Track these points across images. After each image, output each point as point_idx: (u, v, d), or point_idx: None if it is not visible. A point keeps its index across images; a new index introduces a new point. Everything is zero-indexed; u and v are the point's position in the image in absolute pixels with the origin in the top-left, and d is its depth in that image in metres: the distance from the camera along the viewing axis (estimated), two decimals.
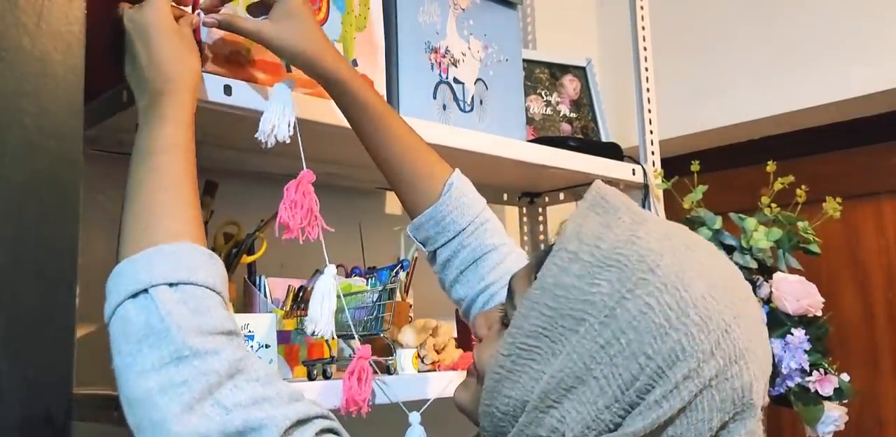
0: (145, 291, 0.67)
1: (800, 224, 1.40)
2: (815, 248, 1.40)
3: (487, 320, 0.75)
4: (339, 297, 1.12)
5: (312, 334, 0.90)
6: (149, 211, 0.74)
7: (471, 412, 0.72)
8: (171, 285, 0.67)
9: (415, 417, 0.94)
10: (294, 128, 0.90)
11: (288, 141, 0.90)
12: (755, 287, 1.38)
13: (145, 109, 0.80)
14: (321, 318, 0.89)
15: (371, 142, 0.96)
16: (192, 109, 0.81)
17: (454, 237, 0.95)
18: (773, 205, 1.41)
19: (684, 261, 0.64)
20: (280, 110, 0.89)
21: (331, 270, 0.92)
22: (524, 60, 1.48)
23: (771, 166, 1.40)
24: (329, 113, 1.04)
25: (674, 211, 1.52)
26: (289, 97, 0.90)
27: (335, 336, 0.92)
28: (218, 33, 0.96)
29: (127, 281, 0.68)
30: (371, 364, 0.93)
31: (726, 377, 0.61)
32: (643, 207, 1.50)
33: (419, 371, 1.11)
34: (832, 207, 1.40)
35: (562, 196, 1.70)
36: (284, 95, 0.90)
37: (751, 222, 1.39)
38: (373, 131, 0.95)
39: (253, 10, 0.95)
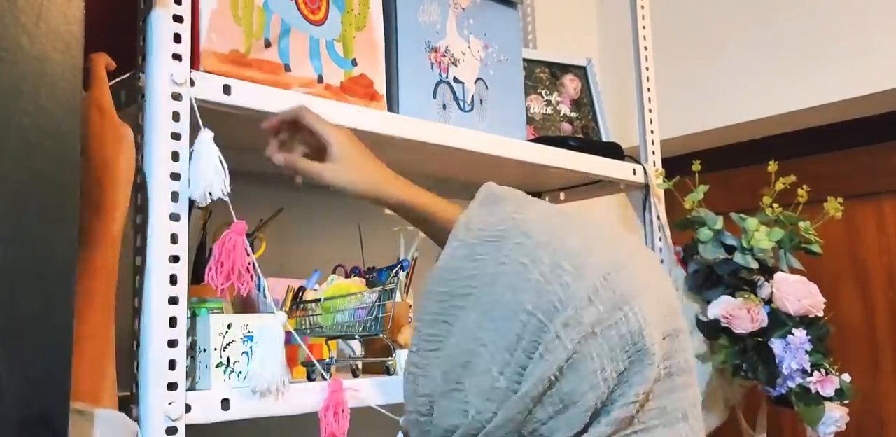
0: None
1: (801, 224, 1.40)
2: (816, 248, 1.39)
3: None
4: (338, 297, 1.12)
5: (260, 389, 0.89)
6: None
7: None
8: None
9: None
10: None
11: (225, 198, 0.89)
12: (756, 287, 1.38)
13: None
14: (264, 372, 0.89)
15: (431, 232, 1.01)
16: None
17: None
18: (775, 205, 1.41)
19: (560, 224, 0.65)
20: (211, 165, 0.88)
21: (280, 318, 0.92)
22: (524, 60, 1.48)
23: (772, 166, 1.40)
24: (328, 113, 1.04)
25: (675, 211, 1.52)
26: (213, 147, 0.89)
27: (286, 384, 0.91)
28: (215, 32, 0.96)
29: None
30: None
31: (610, 324, 0.60)
32: (644, 207, 1.50)
33: None
34: (833, 207, 1.40)
35: (562, 196, 1.69)
36: (208, 145, 0.89)
37: (752, 222, 1.38)
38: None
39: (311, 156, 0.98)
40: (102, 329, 0.73)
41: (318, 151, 0.95)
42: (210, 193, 0.86)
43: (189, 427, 0.84)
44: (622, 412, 0.60)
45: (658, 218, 1.49)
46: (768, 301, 1.36)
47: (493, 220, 0.68)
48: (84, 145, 0.75)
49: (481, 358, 0.61)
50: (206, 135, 0.89)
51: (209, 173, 0.86)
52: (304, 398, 0.94)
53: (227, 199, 0.89)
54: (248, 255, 0.88)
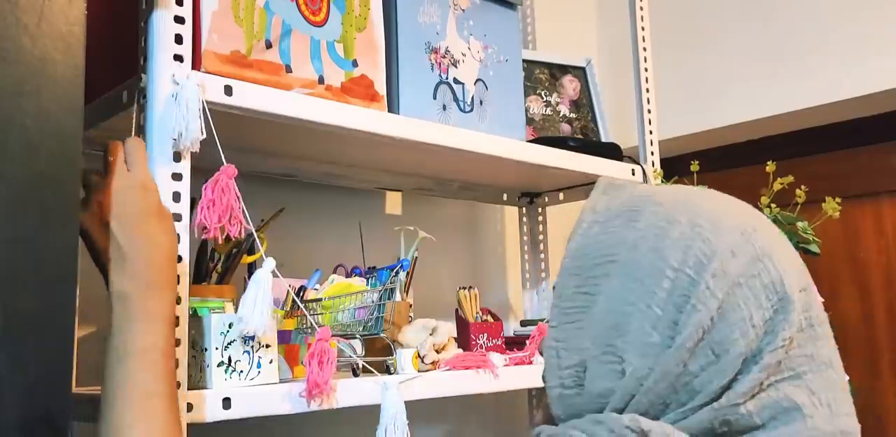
0: None
1: (799, 224, 1.40)
2: (814, 248, 1.40)
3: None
4: (338, 297, 1.12)
5: (245, 333, 0.89)
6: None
7: (547, 419, 0.74)
8: None
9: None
10: (205, 122, 0.88)
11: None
12: None
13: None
14: (253, 315, 0.87)
15: None
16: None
17: None
18: (773, 205, 1.41)
19: (688, 194, 0.71)
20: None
21: (269, 264, 0.90)
22: (524, 61, 1.48)
23: (770, 166, 1.41)
24: (329, 113, 1.05)
25: None
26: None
27: (262, 332, 0.90)
28: (216, 33, 0.97)
29: None
30: (336, 347, 0.93)
31: (753, 274, 0.64)
32: None
33: (419, 371, 1.11)
34: (832, 207, 1.40)
35: (562, 196, 1.70)
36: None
37: None
38: None
39: None
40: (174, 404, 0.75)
41: None
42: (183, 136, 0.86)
43: (191, 426, 0.84)
44: (772, 357, 0.63)
45: None
46: None
47: (619, 201, 0.72)
48: (128, 223, 0.78)
49: (632, 317, 0.65)
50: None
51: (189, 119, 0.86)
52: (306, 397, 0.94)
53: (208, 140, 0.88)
54: (239, 200, 0.88)
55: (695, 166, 1.43)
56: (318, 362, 0.91)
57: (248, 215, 0.90)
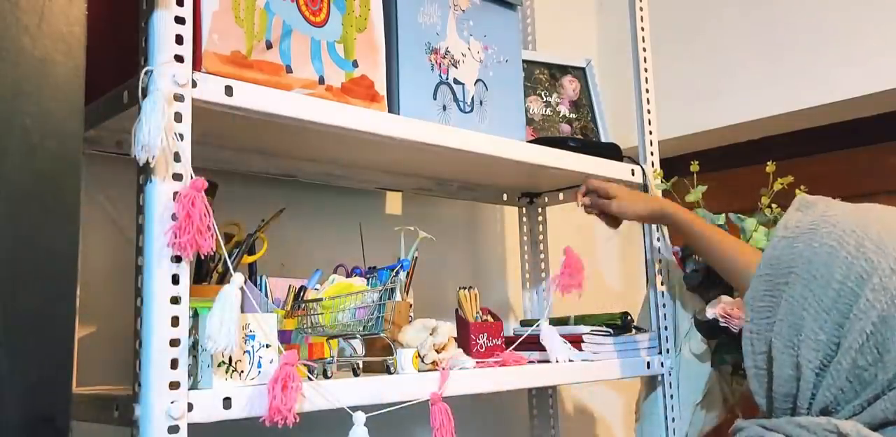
0: None
1: None
2: None
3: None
4: (339, 297, 1.12)
5: (213, 350, 0.86)
6: None
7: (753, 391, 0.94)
8: None
9: (359, 417, 0.94)
10: (173, 138, 0.86)
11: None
12: None
13: None
14: (220, 334, 0.86)
15: (710, 260, 1.30)
16: None
17: None
18: (773, 205, 1.41)
19: (862, 216, 0.89)
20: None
21: (237, 279, 0.89)
22: (524, 61, 1.48)
23: (770, 167, 1.41)
24: (329, 113, 1.05)
25: None
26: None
27: (231, 351, 0.88)
28: (217, 34, 0.97)
29: None
30: (306, 368, 0.91)
31: None
32: None
33: (419, 371, 1.11)
34: None
35: (561, 196, 1.70)
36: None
37: (750, 223, 1.39)
38: (704, 253, 1.30)
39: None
40: None
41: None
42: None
43: (191, 426, 0.84)
44: None
45: None
46: None
47: (806, 219, 0.91)
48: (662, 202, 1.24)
49: (805, 320, 0.84)
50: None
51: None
52: (306, 397, 0.94)
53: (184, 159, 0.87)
54: (208, 215, 0.86)
55: (695, 166, 1.43)
56: (281, 387, 0.88)
57: (216, 227, 0.88)
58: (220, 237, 0.90)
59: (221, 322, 0.86)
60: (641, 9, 1.58)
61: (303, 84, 1.05)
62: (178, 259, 0.86)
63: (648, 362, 1.41)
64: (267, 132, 1.12)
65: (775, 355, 0.86)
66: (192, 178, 0.87)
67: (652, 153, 1.54)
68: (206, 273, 1.08)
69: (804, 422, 0.83)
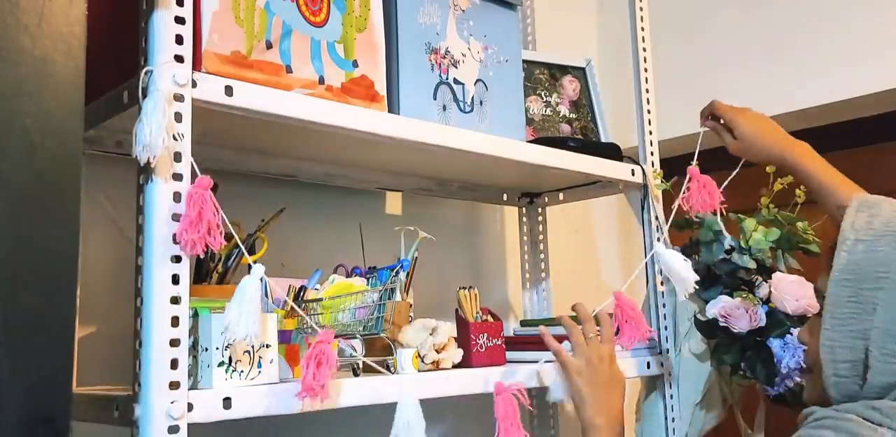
0: None
1: (799, 224, 1.40)
2: (814, 248, 1.40)
3: (806, 327, 0.99)
4: (339, 297, 1.12)
5: (232, 339, 0.88)
6: None
7: (818, 400, 0.92)
8: None
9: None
10: (175, 136, 0.87)
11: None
12: (754, 287, 1.38)
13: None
14: (239, 324, 0.87)
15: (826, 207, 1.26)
16: None
17: None
18: (773, 205, 1.41)
19: None
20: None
21: (258, 270, 0.91)
22: (524, 61, 1.48)
23: (770, 167, 1.41)
24: (329, 113, 1.05)
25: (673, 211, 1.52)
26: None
27: (252, 340, 0.89)
28: (217, 34, 0.97)
29: None
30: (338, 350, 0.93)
31: None
32: (642, 207, 1.50)
33: (419, 371, 1.11)
34: None
35: (561, 196, 1.70)
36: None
37: (750, 223, 1.39)
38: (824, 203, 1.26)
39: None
40: None
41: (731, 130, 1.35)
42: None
43: (191, 426, 0.84)
44: None
45: (656, 218, 1.49)
46: (766, 301, 1.36)
47: (878, 220, 0.88)
48: (594, 385, 1.14)
49: None
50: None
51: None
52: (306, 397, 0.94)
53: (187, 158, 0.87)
54: (217, 211, 0.87)
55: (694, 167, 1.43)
56: (315, 363, 0.90)
57: (228, 223, 0.89)
58: (231, 231, 0.92)
59: (240, 313, 0.87)
60: (641, 9, 1.58)
61: (303, 84, 1.05)
62: (178, 259, 0.86)
63: (648, 362, 1.41)
64: (267, 132, 1.12)
65: (872, 364, 0.84)
66: (198, 175, 0.88)
67: (652, 153, 1.54)
68: (206, 273, 1.08)
69: (878, 405, 0.82)
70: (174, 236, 0.86)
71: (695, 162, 1.39)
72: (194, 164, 0.89)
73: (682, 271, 1.25)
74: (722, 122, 1.41)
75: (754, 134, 1.33)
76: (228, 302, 0.89)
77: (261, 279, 1.14)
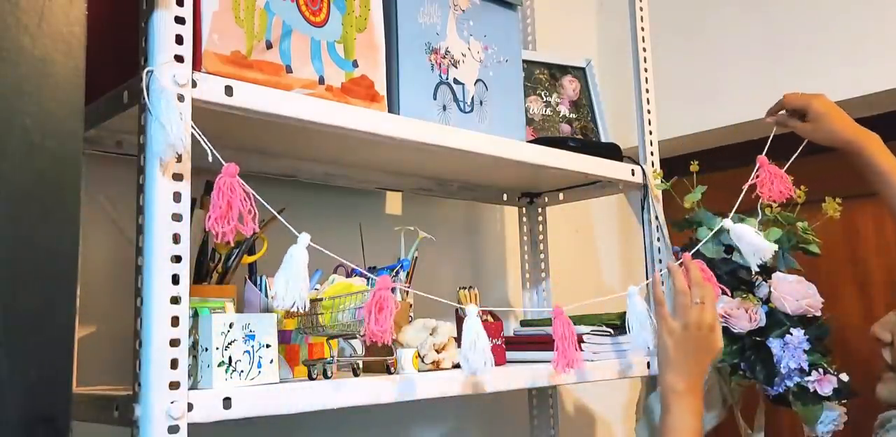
0: None
1: (799, 224, 1.40)
2: (814, 248, 1.40)
3: (884, 324, 1.03)
4: (339, 296, 1.12)
5: (276, 307, 0.91)
6: None
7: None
8: None
9: (303, 238, 0.96)
10: (190, 132, 0.88)
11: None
12: (754, 287, 1.38)
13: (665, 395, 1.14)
14: (287, 294, 0.89)
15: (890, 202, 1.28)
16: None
17: None
18: (773, 205, 1.41)
19: None
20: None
21: (304, 238, 0.94)
22: (524, 61, 1.48)
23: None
24: (329, 113, 1.05)
25: (673, 211, 1.52)
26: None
27: (302, 308, 0.93)
28: (217, 34, 0.97)
29: None
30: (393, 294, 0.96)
31: None
32: (642, 207, 1.51)
33: (419, 371, 1.11)
34: (832, 207, 1.40)
35: (561, 196, 1.70)
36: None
37: (750, 223, 1.39)
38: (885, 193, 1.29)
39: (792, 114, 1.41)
40: None
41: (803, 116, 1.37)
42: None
43: (191, 426, 0.84)
44: None
45: (656, 218, 1.49)
46: (766, 301, 1.36)
47: None
48: (673, 356, 1.18)
49: None
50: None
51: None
52: (306, 397, 0.94)
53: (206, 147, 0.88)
54: (248, 197, 0.89)
55: (694, 166, 1.43)
56: (377, 309, 0.93)
57: (263, 203, 0.92)
58: (270, 209, 0.95)
59: (287, 281, 0.91)
60: (641, 9, 1.58)
61: (303, 84, 1.05)
62: (178, 259, 0.86)
63: (648, 363, 1.41)
64: (267, 132, 1.12)
65: None
66: (222, 164, 0.89)
67: (652, 153, 1.54)
68: (205, 273, 1.08)
69: None
70: (174, 235, 0.86)
71: (765, 152, 1.41)
72: (216, 153, 0.90)
73: (757, 241, 1.28)
74: (786, 112, 1.43)
75: (827, 116, 1.34)
76: (277, 272, 0.92)
77: (260, 278, 1.14)
